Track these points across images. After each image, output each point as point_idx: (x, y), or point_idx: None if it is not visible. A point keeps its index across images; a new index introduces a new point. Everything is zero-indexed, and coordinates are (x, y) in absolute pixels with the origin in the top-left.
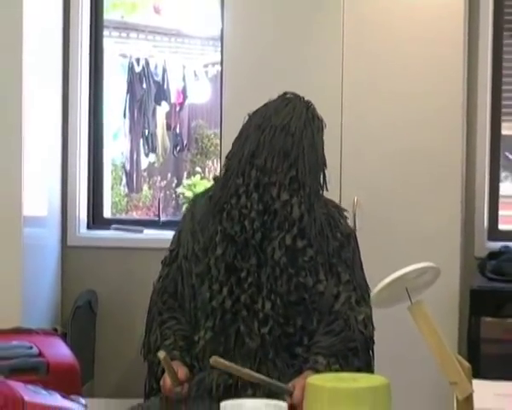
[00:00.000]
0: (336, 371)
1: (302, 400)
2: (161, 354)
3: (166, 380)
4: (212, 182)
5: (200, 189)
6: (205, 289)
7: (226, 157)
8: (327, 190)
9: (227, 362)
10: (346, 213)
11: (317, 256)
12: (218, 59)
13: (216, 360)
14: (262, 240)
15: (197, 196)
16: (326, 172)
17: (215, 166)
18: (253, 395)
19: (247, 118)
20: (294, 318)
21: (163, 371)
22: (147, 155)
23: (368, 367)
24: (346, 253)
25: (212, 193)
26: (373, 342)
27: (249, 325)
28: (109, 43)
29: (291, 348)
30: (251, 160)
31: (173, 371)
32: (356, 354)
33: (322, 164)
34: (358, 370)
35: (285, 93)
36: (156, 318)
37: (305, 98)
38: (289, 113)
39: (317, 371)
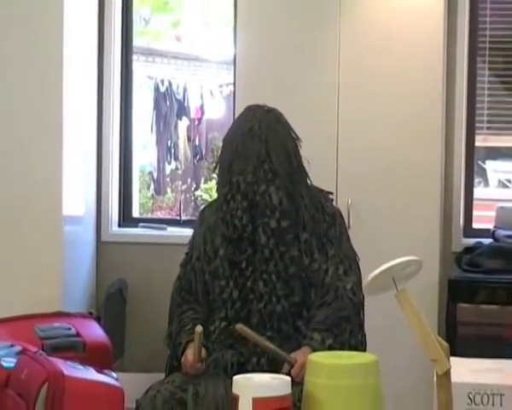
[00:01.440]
0: (330, 345)
1: (299, 374)
2: (198, 329)
3: (189, 356)
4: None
5: (215, 193)
6: (216, 285)
7: (216, 174)
8: (309, 179)
9: (250, 331)
10: (330, 196)
11: (312, 238)
12: (231, 80)
13: (241, 327)
14: (253, 231)
15: (205, 207)
16: (304, 162)
17: None
18: (258, 363)
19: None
20: (293, 293)
21: (182, 353)
22: (169, 163)
23: (360, 328)
24: (332, 231)
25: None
26: (362, 306)
27: (254, 306)
28: (138, 66)
29: (293, 321)
30: (229, 169)
31: (199, 348)
32: (347, 319)
33: (293, 155)
34: (351, 332)
35: (248, 106)
36: (176, 310)
37: (271, 107)
38: (251, 119)
39: (313, 347)
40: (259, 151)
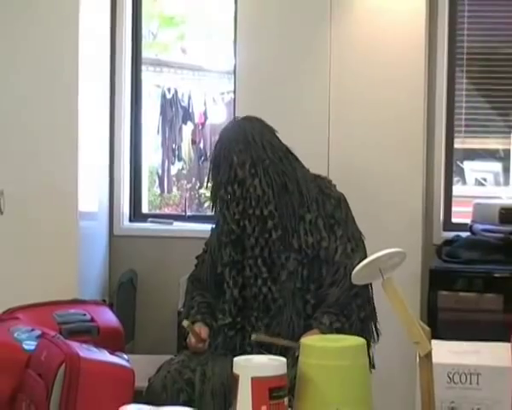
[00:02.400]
0: (337, 328)
1: None
2: (185, 324)
3: (191, 340)
4: None
5: None
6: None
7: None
8: (303, 165)
9: (263, 336)
10: (333, 183)
11: (317, 219)
12: (232, 88)
13: (256, 337)
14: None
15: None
16: (294, 154)
17: None
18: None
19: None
20: (303, 273)
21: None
22: (173, 164)
23: (369, 301)
24: (338, 213)
25: None
26: None
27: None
28: (146, 75)
29: (302, 297)
30: (224, 186)
31: (196, 333)
32: (357, 296)
33: (271, 144)
34: (361, 307)
35: (233, 119)
36: (187, 296)
37: (252, 116)
38: (235, 131)
39: (322, 330)
40: (239, 152)
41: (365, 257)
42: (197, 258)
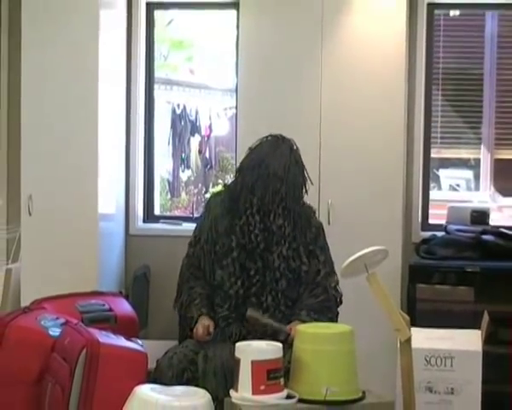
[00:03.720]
0: (315, 320)
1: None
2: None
3: (199, 329)
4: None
5: None
6: (219, 273)
7: (236, 175)
8: (307, 194)
9: (256, 313)
10: (315, 210)
11: (300, 247)
12: (234, 104)
13: (251, 315)
14: (264, 249)
15: (211, 197)
16: (307, 187)
17: (231, 179)
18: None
19: (248, 151)
20: (288, 302)
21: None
22: (182, 171)
23: (336, 317)
24: (320, 241)
25: (224, 197)
26: (341, 302)
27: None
28: (158, 93)
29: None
30: (252, 191)
31: (205, 326)
32: (330, 309)
33: (301, 189)
34: (330, 319)
35: (274, 136)
36: (185, 284)
37: (289, 139)
38: (277, 159)
39: (302, 320)
40: (279, 192)
41: (338, 281)
42: (191, 245)
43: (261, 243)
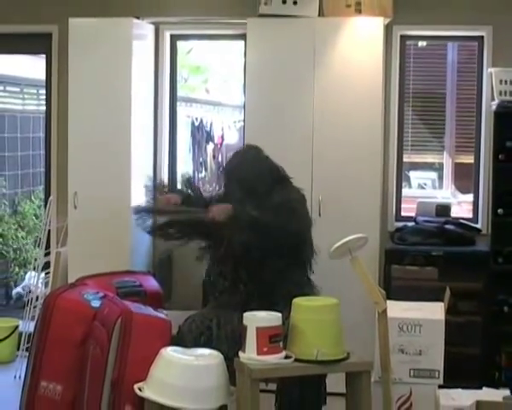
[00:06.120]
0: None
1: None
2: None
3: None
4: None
5: None
6: None
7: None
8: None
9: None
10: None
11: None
12: (242, 118)
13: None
14: None
15: None
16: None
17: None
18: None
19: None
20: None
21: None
22: (200, 173)
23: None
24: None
25: None
26: None
27: None
28: (180, 109)
29: None
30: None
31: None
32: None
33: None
34: None
35: (237, 150)
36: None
37: (254, 146)
38: (250, 163)
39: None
40: (255, 190)
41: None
42: None
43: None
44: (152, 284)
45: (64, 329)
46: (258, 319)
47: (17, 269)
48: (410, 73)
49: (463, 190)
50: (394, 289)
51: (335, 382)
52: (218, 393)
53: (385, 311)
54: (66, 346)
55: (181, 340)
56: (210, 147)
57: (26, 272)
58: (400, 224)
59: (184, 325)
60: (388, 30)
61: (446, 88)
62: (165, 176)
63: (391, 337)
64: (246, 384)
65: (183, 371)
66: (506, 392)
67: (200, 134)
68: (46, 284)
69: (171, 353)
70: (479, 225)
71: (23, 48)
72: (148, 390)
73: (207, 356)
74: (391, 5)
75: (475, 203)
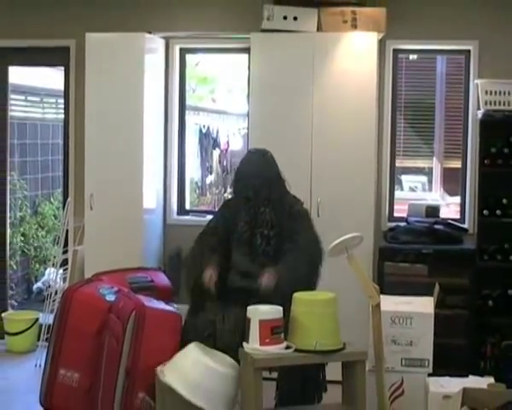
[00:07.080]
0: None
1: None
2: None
3: (207, 276)
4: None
5: None
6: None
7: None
8: (290, 188)
9: None
10: (302, 202)
11: (280, 227)
12: (246, 125)
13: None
14: (251, 233)
15: (229, 200)
16: (286, 183)
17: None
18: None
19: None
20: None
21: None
22: (207, 176)
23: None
24: (302, 222)
25: (230, 201)
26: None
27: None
28: (189, 117)
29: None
30: (241, 193)
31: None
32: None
33: (278, 181)
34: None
35: (249, 151)
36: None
37: (261, 149)
38: (252, 164)
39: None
40: (256, 184)
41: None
42: (209, 222)
43: (248, 230)
44: (162, 279)
45: (81, 321)
46: (260, 312)
47: (37, 266)
48: (401, 84)
49: (451, 193)
50: (387, 285)
51: (333, 370)
52: (234, 402)
53: (378, 305)
54: (83, 336)
55: (187, 333)
56: (216, 152)
57: (45, 269)
58: (393, 224)
59: (189, 318)
60: (382, 44)
61: (436, 98)
62: (174, 180)
63: (384, 329)
64: (249, 373)
65: (209, 375)
66: (491, 380)
67: (207, 140)
68: (64, 280)
69: (201, 352)
70: (466, 225)
71: (43, 60)
72: (169, 377)
73: (230, 365)
74: (384, 21)
75: (462, 205)
